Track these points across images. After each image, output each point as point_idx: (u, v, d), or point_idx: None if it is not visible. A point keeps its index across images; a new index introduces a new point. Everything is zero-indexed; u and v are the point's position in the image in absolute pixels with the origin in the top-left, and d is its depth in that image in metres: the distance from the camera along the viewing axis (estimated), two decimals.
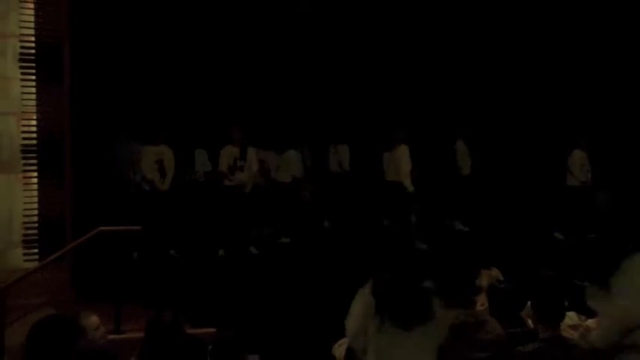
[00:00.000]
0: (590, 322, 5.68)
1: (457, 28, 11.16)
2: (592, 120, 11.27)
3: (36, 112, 8.17)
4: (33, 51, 8.15)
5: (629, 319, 3.40)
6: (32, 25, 8.16)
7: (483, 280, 6.85)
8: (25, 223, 8.17)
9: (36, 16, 8.15)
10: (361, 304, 4.53)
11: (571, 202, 10.82)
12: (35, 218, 8.20)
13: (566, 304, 5.72)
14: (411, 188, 10.09)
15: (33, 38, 8.15)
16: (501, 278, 6.82)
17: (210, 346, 4.48)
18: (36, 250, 8.10)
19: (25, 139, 8.18)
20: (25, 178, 8.18)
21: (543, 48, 11.42)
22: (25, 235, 8.16)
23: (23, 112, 8.15)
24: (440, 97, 11.05)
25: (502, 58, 11.30)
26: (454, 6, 11.10)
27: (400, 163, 10.09)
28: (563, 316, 5.39)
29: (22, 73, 8.14)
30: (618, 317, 3.57)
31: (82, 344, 4.81)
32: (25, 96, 8.15)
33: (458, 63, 11.16)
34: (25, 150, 8.17)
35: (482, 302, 6.55)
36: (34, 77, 8.16)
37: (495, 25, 11.22)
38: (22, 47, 8.12)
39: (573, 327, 5.66)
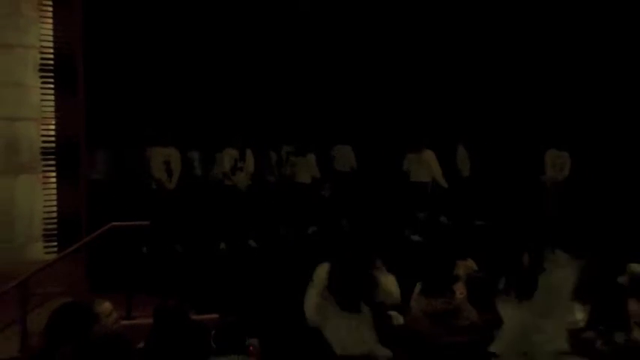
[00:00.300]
0: None
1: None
2: (577, 120, 11.17)
3: (54, 118, 8.16)
4: (51, 62, 8.14)
5: None
6: (50, 38, 8.15)
7: (461, 270, 6.80)
8: (44, 219, 8.15)
9: (54, 30, 8.15)
10: (317, 284, 4.56)
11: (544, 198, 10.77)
12: (54, 215, 8.17)
13: None
14: (445, 185, 10.24)
15: (51, 50, 8.14)
16: (476, 268, 6.78)
17: (213, 331, 4.39)
18: (55, 244, 8.09)
19: (44, 142, 8.16)
20: (45, 178, 8.16)
21: (531, 54, 11.22)
22: (44, 230, 8.14)
23: (42, 117, 8.14)
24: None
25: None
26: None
27: (432, 165, 10.17)
28: None
29: (42, 82, 8.13)
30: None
31: (96, 329, 4.73)
32: (44, 103, 8.13)
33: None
34: (45, 152, 8.15)
35: (460, 291, 6.50)
36: (52, 86, 8.15)
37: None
38: (41, 58, 8.11)
39: None
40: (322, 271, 4.59)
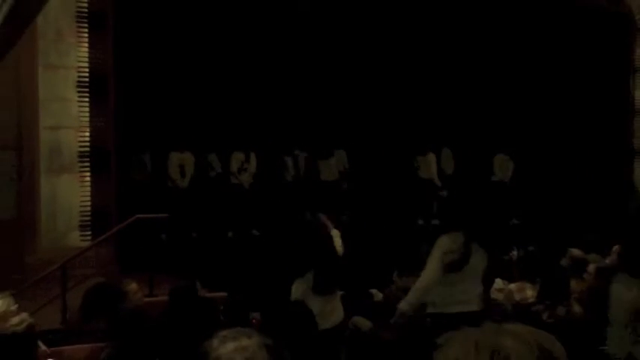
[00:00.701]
0: (512, 285, 5.70)
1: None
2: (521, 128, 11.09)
3: (89, 127, 8.14)
4: (87, 79, 8.12)
5: None
6: (86, 59, 8.12)
7: None
8: (81, 211, 8.12)
9: (89, 52, 8.13)
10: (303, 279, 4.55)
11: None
12: (89, 208, 8.16)
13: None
14: (439, 184, 10.24)
15: (87, 69, 8.11)
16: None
17: (221, 307, 4.43)
18: (89, 233, 8.05)
19: (81, 147, 8.14)
20: (81, 177, 8.15)
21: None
22: (81, 220, 8.11)
23: (80, 126, 8.12)
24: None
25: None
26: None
27: (432, 166, 10.33)
28: (493, 282, 5.41)
29: (79, 97, 8.11)
30: None
31: (124, 305, 4.76)
32: (81, 114, 8.12)
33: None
34: (81, 155, 8.13)
35: None
36: (87, 99, 8.13)
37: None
38: (78, 76, 8.09)
39: (500, 290, 5.68)
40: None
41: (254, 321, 4.69)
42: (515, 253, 7.08)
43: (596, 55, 11.72)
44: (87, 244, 7.72)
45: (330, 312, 4.39)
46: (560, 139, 11.27)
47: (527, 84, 11.05)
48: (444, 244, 4.25)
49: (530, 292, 5.54)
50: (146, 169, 8.64)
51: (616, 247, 5.78)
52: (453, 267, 4.20)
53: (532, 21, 10.98)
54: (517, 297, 5.49)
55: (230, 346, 1.64)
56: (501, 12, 10.75)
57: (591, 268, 5.35)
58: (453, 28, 10.47)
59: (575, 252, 5.81)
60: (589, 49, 11.57)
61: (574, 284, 5.21)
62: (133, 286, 5.14)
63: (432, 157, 10.34)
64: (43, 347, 4.01)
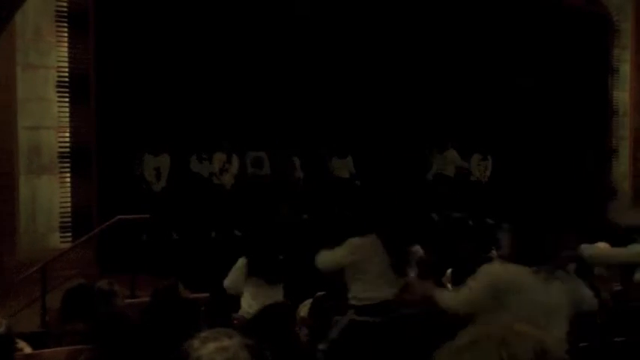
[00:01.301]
0: None
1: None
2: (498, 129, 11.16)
3: (69, 127, 8.06)
4: (67, 79, 8.03)
5: None
6: (66, 59, 8.03)
7: (413, 255, 6.85)
8: (61, 212, 8.04)
9: (69, 52, 8.04)
10: (240, 264, 5.03)
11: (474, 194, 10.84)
12: (69, 209, 8.06)
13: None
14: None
15: (67, 69, 8.03)
16: (422, 252, 6.83)
17: (203, 308, 4.39)
18: (69, 234, 7.97)
19: (61, 147, 8.04)
20: (61, 178, 8.06)
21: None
22: (61, 222, 8.03)
23: (60, 126, 8.03)
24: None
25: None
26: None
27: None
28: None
29: (59, 97, 8.01)
30: None
31: (105, 307, 4.71)
32: (61, 114, 8.02)
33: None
34: (61, 156, 8.04)
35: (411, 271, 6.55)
36: (67, 99, 8.04)
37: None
38: (59, 76, 8.00)
39: None
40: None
41: (236, 322, 4.66)
42: (494, 252, 7.11)
43: (575, 55, 11.82)
44: (67, 245, 7.64)
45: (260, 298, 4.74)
46: (540, 138, 11.35)
47: (506, 85, 11.13)
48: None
49: None
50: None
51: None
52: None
53: (511, 22, 11.05)
54: None
55: (211, 346, 1.64)
56: (479, 13, 10.80)
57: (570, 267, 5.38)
58: (431, 30, 10.53)
59: None
60: (568, 50, 11.67)
61: None
62: (115, 287, 5.10)
63: (452, 153, 10.58)
64: (28, 349, 3.96)
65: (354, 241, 4.63)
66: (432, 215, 10.52)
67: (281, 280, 5.10)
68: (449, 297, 3.57)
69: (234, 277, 5.19)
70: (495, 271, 3.29)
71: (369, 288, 4.56)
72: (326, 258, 4.69)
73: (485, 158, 10.98)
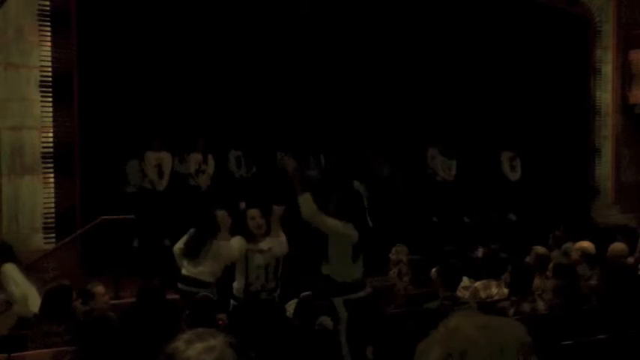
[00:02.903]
0: (477, 284, 5.75)
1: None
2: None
3: (52, 127, 7.97)
4: (50, 79, 7.94)
5: None
6: (49, 58, 7.94)
7: (400, 254, 6.87)
8: (44, 213, 7.94)
9: (52, 51, 7.94)
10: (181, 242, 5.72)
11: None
12: (52, 210, 7.97)
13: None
14: None
15: (50, 69, 7.94)
16: (407, 252, 6.85)
17: (187, 311, 4.38)
18: (53, 235, 7.89)
19: (44, 148, 7.95)
20: (45, 178, 7.97)
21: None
22: (44, 223, 7.93)
23: (43, 126, 7.94)
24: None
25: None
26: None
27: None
28: (460, 280, 5.45)
29: (42, 96, 7.92)
30: None
31: (89, 307, 4.68)
32: (44, 114, 7.93)
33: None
34: (45, 156, 7.94)
35: (393, 270, 6.56)
36: (50, 99, 7.95)
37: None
38: (41, 76, 7.90)
39: (465, 288, 5.72)
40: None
41: (220, 322, 4.64)
42: (480, 250, 7.16)
43: (558, 56, 11.92)
44: (51, 246, 7.58)
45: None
46: (522, 138, 11.43)
47: (489, 85, 11.19)
48: None
49: (495, 290, 5.61)
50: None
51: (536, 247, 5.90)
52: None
53: (493, 23, 11.11)
54: (482, 294, 5.54)
55: (198, 346, 1.63)
56: (462, 14, 10.85)
57: (551, 265, 5.43)
58: (419, 32, 10.55)
59: (539, 249, 5.89)
60: (550, 51, 11.76)
61: (537, 281, 5.29)
62: (100, 288, 5.07)
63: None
64: None
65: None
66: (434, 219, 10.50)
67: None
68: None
69: None
70: None
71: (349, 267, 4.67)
72: (329, 220, 4.57)
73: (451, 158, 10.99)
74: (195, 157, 9.09)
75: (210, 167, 9.17)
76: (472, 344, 1.17)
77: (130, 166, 8.68)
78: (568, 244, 6.69)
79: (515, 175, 11.28)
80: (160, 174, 8.67)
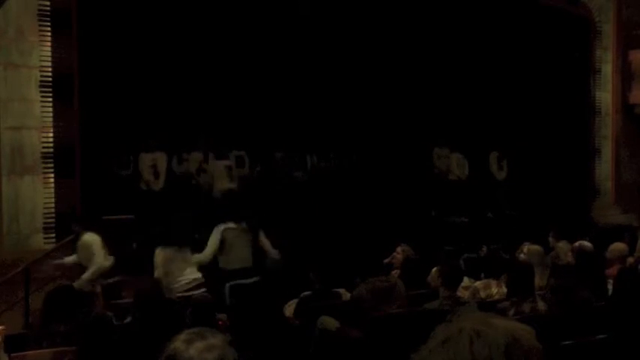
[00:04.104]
0: (477, 283, 5.75)
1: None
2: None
3: (52, 127, 7.97)
4: (50, 79, 7.94)
5: None
6: (49, 59, 7.95)
7: (399, 254, 6.87)
8: (45, 213, 7.95)
9: (52, 51, 7.95)
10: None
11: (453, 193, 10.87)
12: (53, 210, 7.98)
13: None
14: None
15: (50, 69, 7.94)
16: (410, 251, 6.86)
17: (189, 309, 4.38)
18: (53, 235, 7.89)
19: (44, 148, 7.95)
20: (45, 178, 7.97)
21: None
22: (45, 223, 7.94)
23: (43, 126, 7.94)
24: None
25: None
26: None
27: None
28: (461, 280, 5.45)
29: (42, 97, 7.92)
30: None
31: (89, 309, 4.68)
32: (44, 114, 7.93)
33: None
34: (45, 156, 7.95)
35: (395, 271, 6.56)
36: (51, 99, 7.95)
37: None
38: (41, 76, 7.90)
39: (466, 288, 5.72)
40: None
41: (220, 322, 4.64)
42: (485, 249, 7.15)
43: (558, 56, 11.92)
44: (51, 246, 7.56)
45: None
46: (523, 138, 11.43)
47: (489, 85, 11.18)
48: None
49: (495, 290, 5.60)
50: (129, 167, 8.51)
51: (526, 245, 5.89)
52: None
53: (494, 24, 11.11)
54: (482, 294, 5.54)
55: (199, 345, 1.63)
56: (462, 14, 10.84)
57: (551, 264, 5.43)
58: (418, 32, 10.53)
59: (538, 249, 5.89)
60: (551, 51, 11.76)
61: (538, 281, 5.28)
62: (98, 289, 5.07)
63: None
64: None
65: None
66: (432, 212, 10.54)
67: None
68: None
69: None
70: None
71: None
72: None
73: (463, 158, 11.05)
74: (196, 156, 9.08)
75: (212, 167, 9.15)
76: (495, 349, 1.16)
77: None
78: (561, 243, 6.70)
79: (501, 174, 11.34)
80: (156, 174, 8.65)
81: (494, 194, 11.11)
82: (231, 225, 6.61)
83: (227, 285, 6.30)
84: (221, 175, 9.24)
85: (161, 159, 8.75)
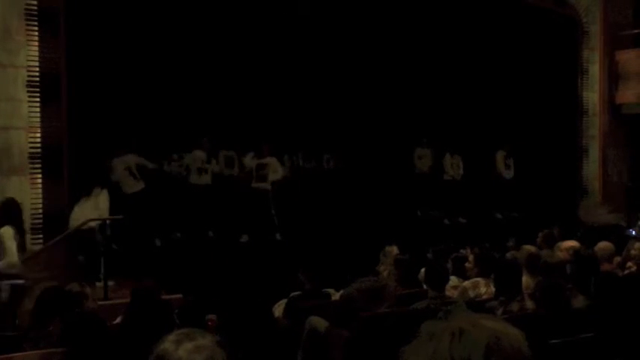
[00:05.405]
0: (466, 283, 5.78)
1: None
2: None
3: (40, 127, 7.92)
4: (38, 79, 7.89)
5: None
6: (37, 58, 7.89)
7: (389, 254, 6.88)
8: (32, 214, 7.89)
9: (40, 51, 7.89)
10: None
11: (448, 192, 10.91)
12: (40, 210, 7.93)
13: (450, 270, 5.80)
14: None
15: (38, 69, 7.89)
16: (398, 252, 6.87)
17: (176, 310, 4.37)
18: (41, 236, 7.85)
19: (31, 148, 7.90)
20: (32, 179, 7.92)
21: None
22: (32, 223, 7.88)
23: (30, 127, 7.89)
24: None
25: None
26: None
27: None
28: (447, 280, 5.46)
29: (29, 96, 7.87)
30: None
31: (78, 310, 4.66)
32: (32, 114, 7.88)
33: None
34: (32, 157, 7.90)
35: (385, 270, 6.57)
36: (38, 99, 7.90)
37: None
38: (29, 76, 7.85)
39: (454, 287, 5.74)
40: None
41: (210, 323, 4.64)
42: (468, 250, 7.17)
43: (546, 57, 12.00)
44: (39, 247, 7.53)
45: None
46: (511, 138, 11.50)
47: (477, 85, 11.26)
48: None
49: (484, 289, 5.62)
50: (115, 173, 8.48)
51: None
52: None
53: (482, 24, 11.17)
54: (471, 294, 5.56)
55: (188, 346, 1.63)
56: (449, 15, 10.91)
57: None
58: (413, 33, 10.61)
59: (529, 248, 5.91)
60: (538, 51, 11.83)
61: (526, 280, 5.30)
62: (87, 290, 5.04)
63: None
64: None
65: None
66: (417, 212, 10.59)
67: None
68: None
69: None
70: None
71: None
72: None
73: (458, 158, 11.09)
74: (198, 155, 9.05)
75: (214, 166, 9.15)
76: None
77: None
78: (550, 242, 6.74)
79: (509, 174, 11.40)
80: (133, 175, 8.59)
81: (500, 194, 11.18)
82: None
83: None
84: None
85: (132, 160, 8.65)
